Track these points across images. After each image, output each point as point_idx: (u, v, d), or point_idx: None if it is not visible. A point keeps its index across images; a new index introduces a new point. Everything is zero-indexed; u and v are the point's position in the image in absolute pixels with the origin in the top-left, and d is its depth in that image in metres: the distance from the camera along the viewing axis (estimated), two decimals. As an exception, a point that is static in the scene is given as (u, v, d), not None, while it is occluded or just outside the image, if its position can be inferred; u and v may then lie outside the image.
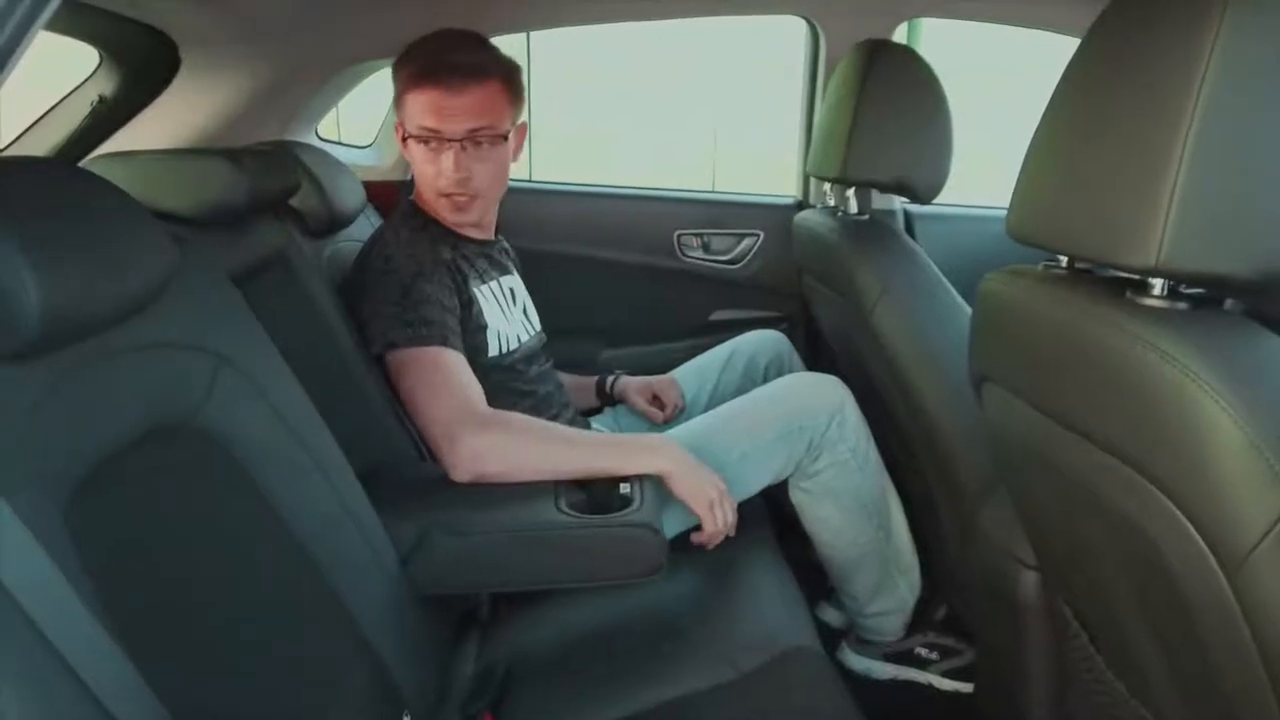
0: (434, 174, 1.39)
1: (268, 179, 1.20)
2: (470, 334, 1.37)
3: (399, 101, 1.40)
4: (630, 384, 1.74)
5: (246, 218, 1.18)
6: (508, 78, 1.41)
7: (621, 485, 1.19)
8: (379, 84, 2.00)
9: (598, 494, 1.18)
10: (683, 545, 1.29)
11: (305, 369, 1.07)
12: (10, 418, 0.63)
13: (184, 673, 0.71)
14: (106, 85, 1.61)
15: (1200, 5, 0.65)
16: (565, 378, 1.68)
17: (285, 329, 1.13)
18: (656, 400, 1.72)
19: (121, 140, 1.60)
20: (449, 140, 1.37)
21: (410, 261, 1.32)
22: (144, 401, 0.77)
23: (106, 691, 0.60)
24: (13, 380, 0.64)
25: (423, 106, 1.36)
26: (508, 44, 1.66)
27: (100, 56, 1.60)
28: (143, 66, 1.59)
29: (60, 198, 0.72)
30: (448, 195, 1.41)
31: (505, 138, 1.41)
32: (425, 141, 1.38)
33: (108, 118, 1.61)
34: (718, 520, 1.25)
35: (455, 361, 1.28)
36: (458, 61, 1.37)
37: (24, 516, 0.58)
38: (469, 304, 1.38)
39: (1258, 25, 0.63)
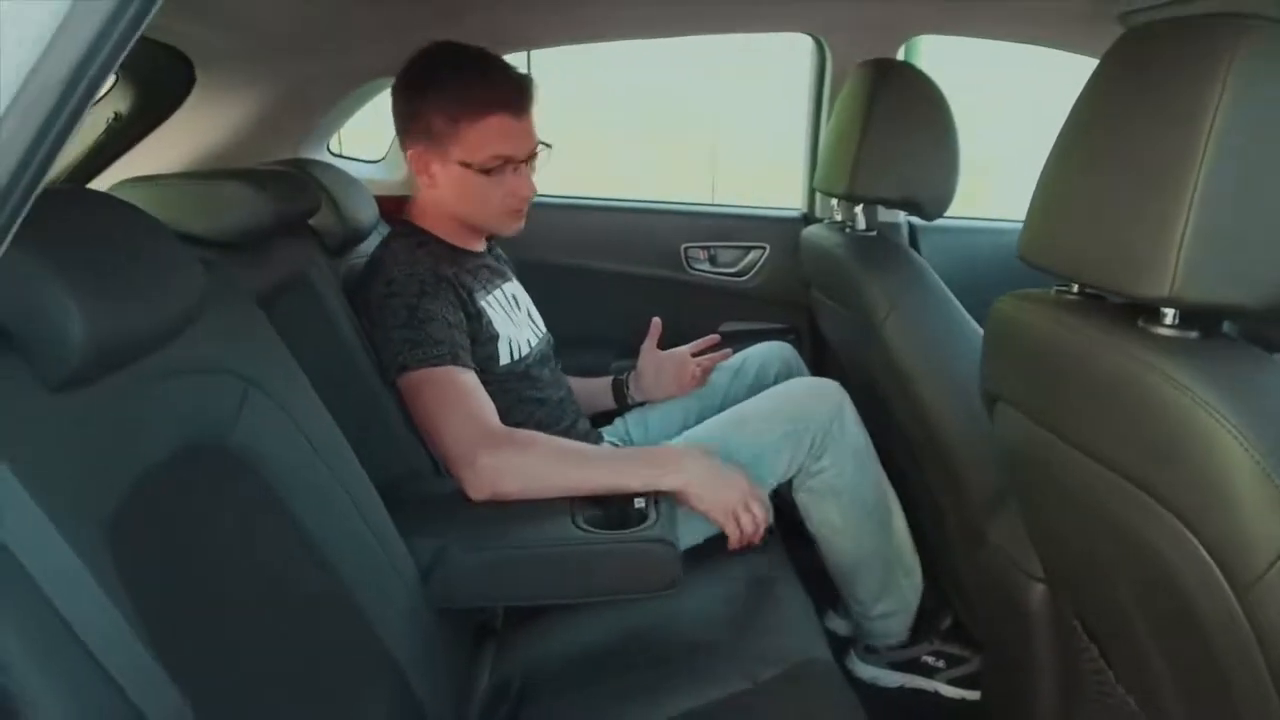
0: (500, 196, 1.41)
1: (289, 200, 1.22)
2: (482, 345, 1.38)
3: (448, 127, 1.36)
4: (644, 371, 1.74)
5: (268, 239, 1.19)
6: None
7: (636, 500, 1.21)
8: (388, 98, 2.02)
9: (613, 510, 1.20)
10: (697, 556, 1.30)
11: (326, 386, 1.09)
12: (54, 445, 0.64)
13: (212, 687, 0.72)
14: (121, 102, 1.62)
15: (1212, 42, 0.67)
16: (576, 381, 1.70)
17: (307, 348, 1.14)
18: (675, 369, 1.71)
19: (136, 157, 1.62)
20: (520, 162, 1.40)
21: (412, 281, 1.32)
22: (176, 425, 0.78)
23: (142, 697, 0.62)
24: (56, 409, 0.65)
25: (494, 134, 1.36)
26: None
27: (115, 74, 1.61)
28: (158, 84, 1.60)
29: (96, 227, 0.73)
30: (511, 211, 1.44)
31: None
32: (493, 170, 1.38)
33: (123, 134, 1.63)
34: (744, 526, 1.23)
35: (467, 380, 1.28)
36: (522, 84, 1.39)
37: (70, 541, 0.60)
38: (478, 316, 1.39)
39: (1268, 62, 0.66)
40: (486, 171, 1.38)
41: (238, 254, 1.11)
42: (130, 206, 0.79)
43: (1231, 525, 0.65)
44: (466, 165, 1.37)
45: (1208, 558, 0.67)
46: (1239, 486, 0.63)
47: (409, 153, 1.41)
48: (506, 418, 1.38)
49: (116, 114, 1.62)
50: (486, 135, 1.36)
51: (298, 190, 1.27)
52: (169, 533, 0.75)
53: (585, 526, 1.15)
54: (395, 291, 1.32)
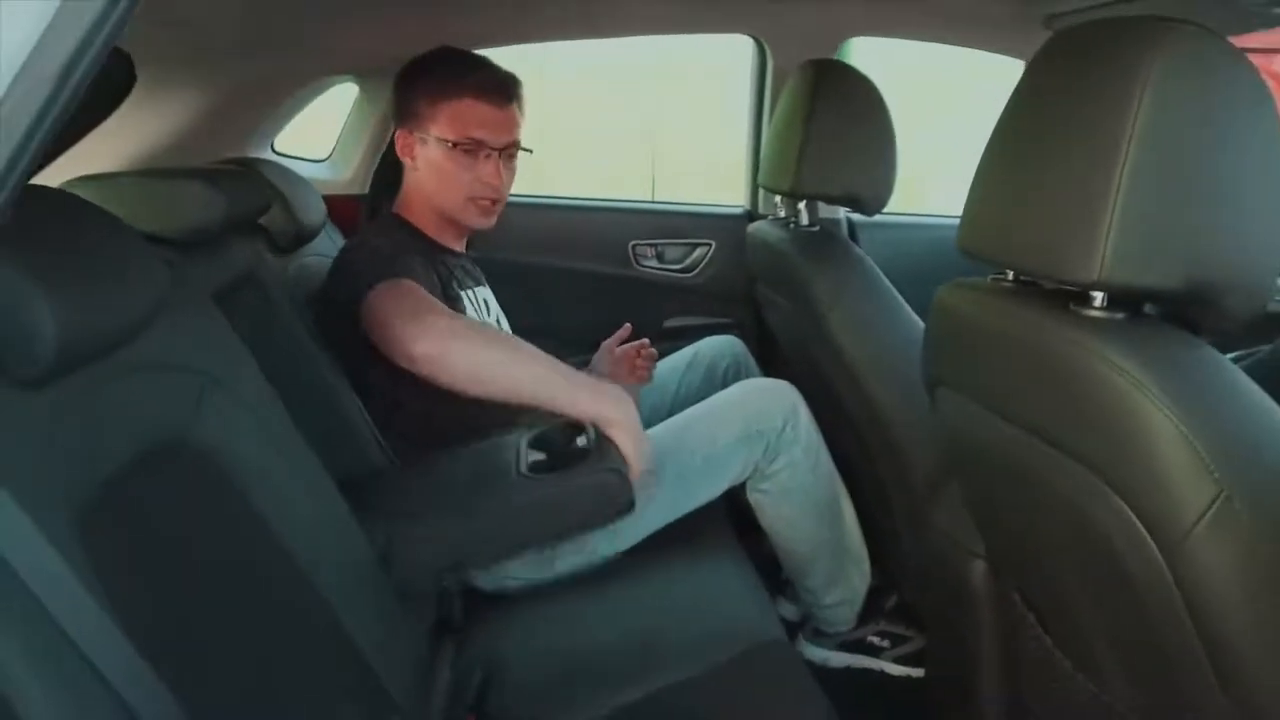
0: (469, 180, 1.47)
1: (242, 198, 1.21)
2: None
3: (429, 108, 1.45)
4: (597, 366, 1.77)
5: (220, 237, 1.19)
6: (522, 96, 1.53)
7: (577, 439, 1.21)
8: (333, 97, 2.01)
9: (554, 454, 1.20)
10: (652, 547, 1.33)
11: (278, 384, 1.08)
12: (25, 444, 0.64)
13: (185, 687, 0.73)
14: (59, 101, 1.59)
15: (1137, 43, 0.73)
16: None
17: (258, 346, 1.14)
18: (627, 364, 1.74)
19: (75, 156, 1.58)
20: (492, 150, 1.47)
21: (391, 247, 1.36)
22: (138, 422, 0.78)
23: (134, 696, 0.63)
24: (27, 406, 0.65)
25: (473, 117, 1.45)
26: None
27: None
28: (96, 82, 1.57)
29: (62, 225, 0.73)
30: (478, 201, 1.49)
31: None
32: (467, 151, 1.45)
33: (61, 133, 1.59)
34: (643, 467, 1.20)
35: (421, 288, 1.25)
36: (503, 77, 1.48)
37: (51, 540, 0.60)
38: (454, 302, 1.41)
39: (1188, 62, 0.72)
40: (463, 151, 1.45)
41: (192, 252, 1.10)
42: (92, 205, 0.79)
43: (1157, 488, 0.70)
44: (442, 141, 1.45)
45: (1136, 520, 0.72)
46: (1163, 453, 0.69)
47: (397, 134, 1.51)
48: (451, 410, 1.38)
49: (54, 112, 1.59)
50: (463, 116, 1.45)
51: (250, 189, 1.27)
52: (137, 530, 0.75)
53: (532, 475, 1.15)
54: (370, 248, 1.36)
